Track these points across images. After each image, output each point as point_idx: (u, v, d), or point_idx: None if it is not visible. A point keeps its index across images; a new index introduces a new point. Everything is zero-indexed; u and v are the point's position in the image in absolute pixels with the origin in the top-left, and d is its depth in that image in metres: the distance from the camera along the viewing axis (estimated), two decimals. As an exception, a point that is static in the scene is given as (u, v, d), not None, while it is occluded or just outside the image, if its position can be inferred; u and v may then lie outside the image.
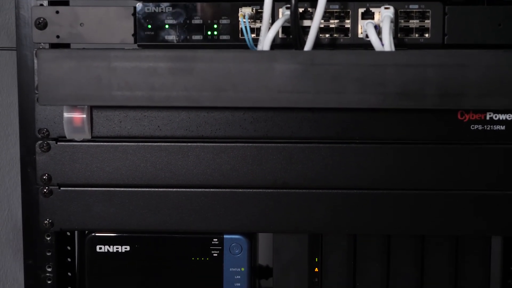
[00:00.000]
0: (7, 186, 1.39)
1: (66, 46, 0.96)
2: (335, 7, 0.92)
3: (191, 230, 0.95)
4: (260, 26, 0.90)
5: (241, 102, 0.84)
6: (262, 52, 0.86)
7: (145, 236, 0.97)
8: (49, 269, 0.97)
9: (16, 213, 1.39)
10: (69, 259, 1.04)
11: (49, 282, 0.97)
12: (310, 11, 0.92)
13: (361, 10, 0.92)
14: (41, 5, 0.95)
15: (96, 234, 0.98)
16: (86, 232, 0.99)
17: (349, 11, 0.92)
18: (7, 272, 1.41)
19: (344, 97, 0.84)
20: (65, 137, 0.94)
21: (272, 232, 0.96)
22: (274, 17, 0.92)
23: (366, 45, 0.91)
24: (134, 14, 0.94)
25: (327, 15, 0.92)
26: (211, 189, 0.94)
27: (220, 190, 0.94)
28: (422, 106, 0.84)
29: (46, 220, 0.95)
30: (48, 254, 0.97)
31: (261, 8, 0.90)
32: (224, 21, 0.94)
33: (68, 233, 1.04)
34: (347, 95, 0.84)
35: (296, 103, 0.84)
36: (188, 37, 0.94)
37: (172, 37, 0.94)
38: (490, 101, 0.83)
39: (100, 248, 0.98)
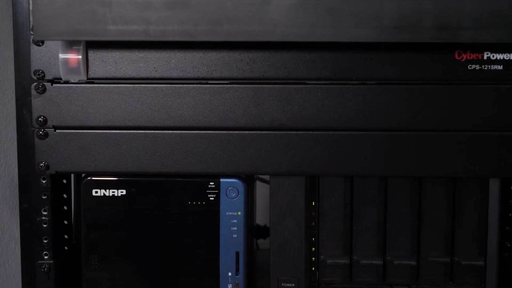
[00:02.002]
0: (4, 141, 1.39)
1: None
2: None
3: (187, 172, 0.94)
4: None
5: (236, 36, 0.84)
6: (258, -15, 0.85)
7: (141, 180, 0.97)
8: (45, 213, 0.97)
9: (13, 169, 1.38)
10: (65, 207, 1.03)
11: (44, 225, 0.97)
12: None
13: None
14: None
15: (92, 178, 0.97)
16: (82, 176, 0.98)
17: None
18: (3, 228, 1.40)
19: (339, 31, 0.83)
20: (60, 78, 0.93)
21: (268, 174, 0.96)
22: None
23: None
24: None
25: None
26: (207, 131, 0.94)
27: (216, 132, 0.94)
28: (419, 39, 0.83)
29: (42, 163, 0.95)
30: (43, 197, 0.96)
31: None
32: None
33: (64, 181, 1.03)
34: (342, 28, 0.83)
35: (291, 37, 0.84)
36: (184, -24, 0.93)
37: (168, -24, 0.93)
38: (487, 34, 0.83)
39: (96, 192, 0.97)
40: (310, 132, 0.93)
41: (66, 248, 1.03)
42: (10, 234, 1.41)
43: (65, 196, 1.03)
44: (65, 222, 1.04)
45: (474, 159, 0.92)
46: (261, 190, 1.24)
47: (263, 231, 1.32)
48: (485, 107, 0.91)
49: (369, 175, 0.94)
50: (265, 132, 0.93)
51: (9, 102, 1.37)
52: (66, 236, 1.04)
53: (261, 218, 1.30)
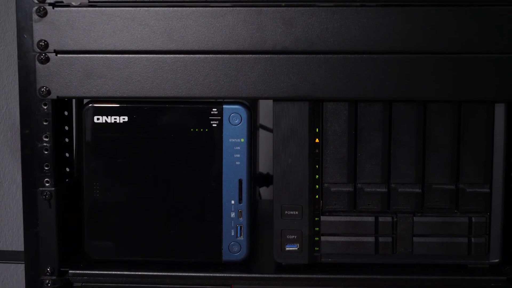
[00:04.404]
0: (5, 83, 1.38)
1: None
2: None
3: (190, 97, 0.94)
4: None
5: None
6: None
7: (143, 106, 0.96)
8: (46, 139, 0.96)
9: (15, 112, 1.37)
10: (66, 140, 1.03)
11: (46, 152, 0.96)
12: None
13: None
14: None
15: (94, 105, 0.96)
16: (84, 102, 0.97)
17: None
18: (4, 171, 1.40)
19: None
20: (62, 1, 0.93)
21: (271, 99, 0.94)
22: None
23: None
24: None
25: None
26: (210, 55, 0.93)
27: (219, 55, 0.93)
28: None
29: (43, 88, 0.94)
30: (45, 123, 0.96)
31: None
32: None
33: (66, 113, 1.02)
34: None
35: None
36: None
37: None
38: None
39: (98, 119, 0.96)
40: (314, 56, 0.92)
41: (67, 180, 1.02)
42: (11, 178, 1.40)
43: (66, 128, 1.03)
44: (67, 154, 1.03)
45: (479, 82, 0.91)
46: (264, 140, 1.23)
47: (266, 179, 1.31)
48: (491, 29, 0.90)
49: (373, 98, 0.93)
50: (268, 55, 0.92)
51: (10, 43, 1.36)
52: (67, 169, 1.03)
53: (264, 168, 1.29)
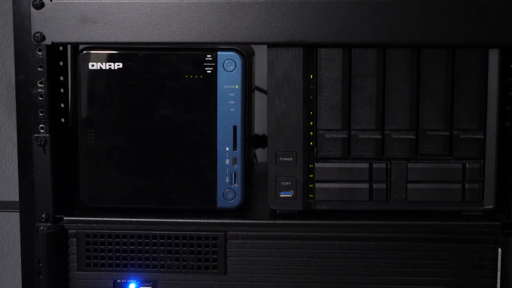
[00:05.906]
0: (1, 42, 1.38)
1: None
2: None
3: (184, 42, 0.94)
4: None
5: None
6: None
7: (138, 53, 0.96)
8: (41, 85, 0.96)
9: (11, 71, 1.37)
10: (62, 90, 1.03)
11: (40, 98, 0.96)
12: None
13: None
14: None
15: (89, 51, 0.96)
16: (79, 49, 0.98)
17: None
18: (0, 130, 1.40)
19: None
20: None
21: (265, 44, 0.94)
22: None
23: None
24: None
25: None
26: (204, 0, 0.93)
27: (214, 0, 0.93)
28: None
29: (38, 33, 0.94)
30: (39, 69, 0.96)
31: None
32: None
33: (61, 63, 1.02)
34: None
35: None
36: None
37: None
38: None
39: (93, 66, 0.96)
40: (308, 0, 0.92)
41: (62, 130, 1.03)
42: (7, 136, 1.40)
43: (61, 78, 1.03)
44: (62, 105, 1.03)
45: (473, 27, 0.91)
46: (260, 102, 1.23)
47: (262, 140, 1.31)
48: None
49: (367, 43, 0.93)
50: (262, 0, 0.92)
51: (6, 2, 1.36)
52: (62, 120, 1.03)
53: (259, 129, 1.29)
